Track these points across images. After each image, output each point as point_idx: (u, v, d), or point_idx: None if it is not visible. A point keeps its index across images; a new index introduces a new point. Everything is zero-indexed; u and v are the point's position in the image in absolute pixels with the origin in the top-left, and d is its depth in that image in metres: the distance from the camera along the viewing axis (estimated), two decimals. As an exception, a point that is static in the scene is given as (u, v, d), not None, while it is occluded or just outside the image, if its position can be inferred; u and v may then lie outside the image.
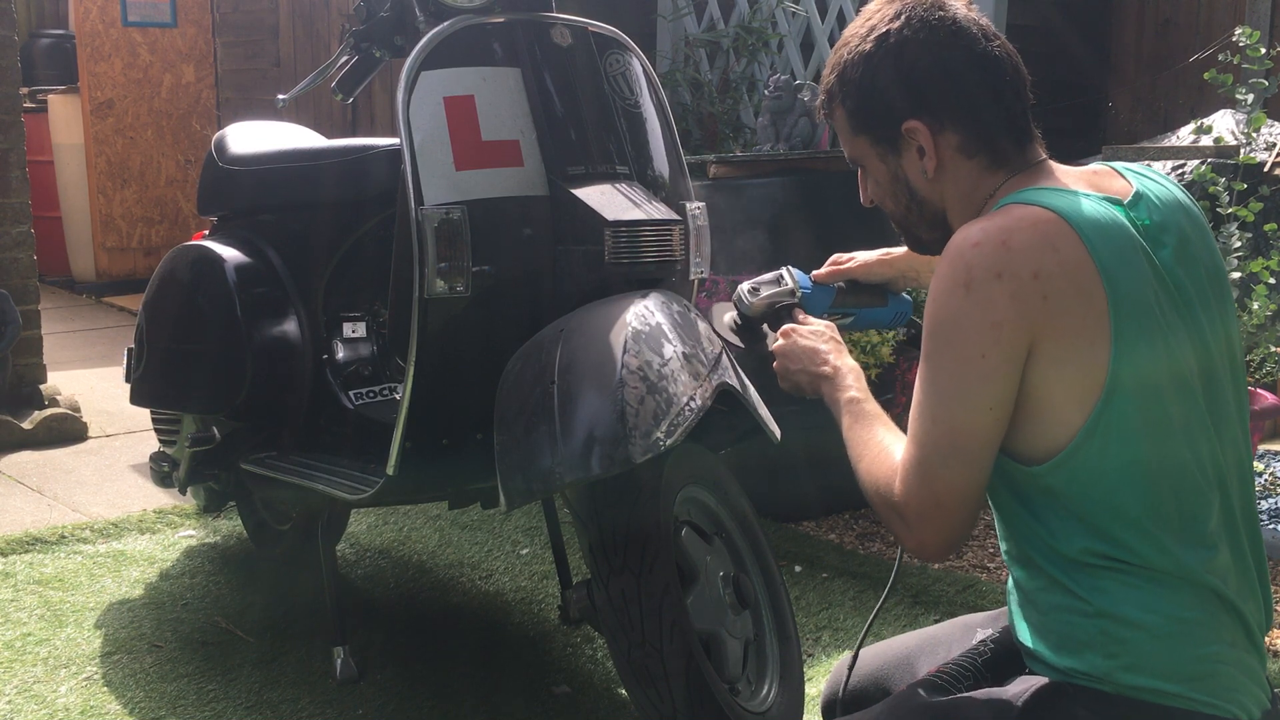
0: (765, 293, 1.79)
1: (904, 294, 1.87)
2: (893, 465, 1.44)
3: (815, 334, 1.67)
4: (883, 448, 1.48)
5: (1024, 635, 1.48)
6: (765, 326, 1.81)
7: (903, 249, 1.80)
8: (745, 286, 1.81)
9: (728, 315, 1.94)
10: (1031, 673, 1.46)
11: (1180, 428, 1.36)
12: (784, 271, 1.81)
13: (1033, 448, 1.38)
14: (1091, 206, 1.37)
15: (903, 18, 1.45)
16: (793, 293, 1.79)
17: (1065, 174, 1.45)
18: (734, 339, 1.87)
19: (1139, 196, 1.41)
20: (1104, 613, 1.36)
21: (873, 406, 1.55)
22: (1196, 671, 1.35)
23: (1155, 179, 1.46)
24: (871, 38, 1.46)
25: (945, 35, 1.43)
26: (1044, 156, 1.48)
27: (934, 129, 1.45)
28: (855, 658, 1.72)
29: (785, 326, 1.71)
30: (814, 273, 1.85)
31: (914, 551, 1.44)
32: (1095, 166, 1.50)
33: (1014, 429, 1.38)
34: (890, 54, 1.45)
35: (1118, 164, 1.50)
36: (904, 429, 1.46)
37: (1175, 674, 1.34)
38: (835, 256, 1.87)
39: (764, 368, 1.74)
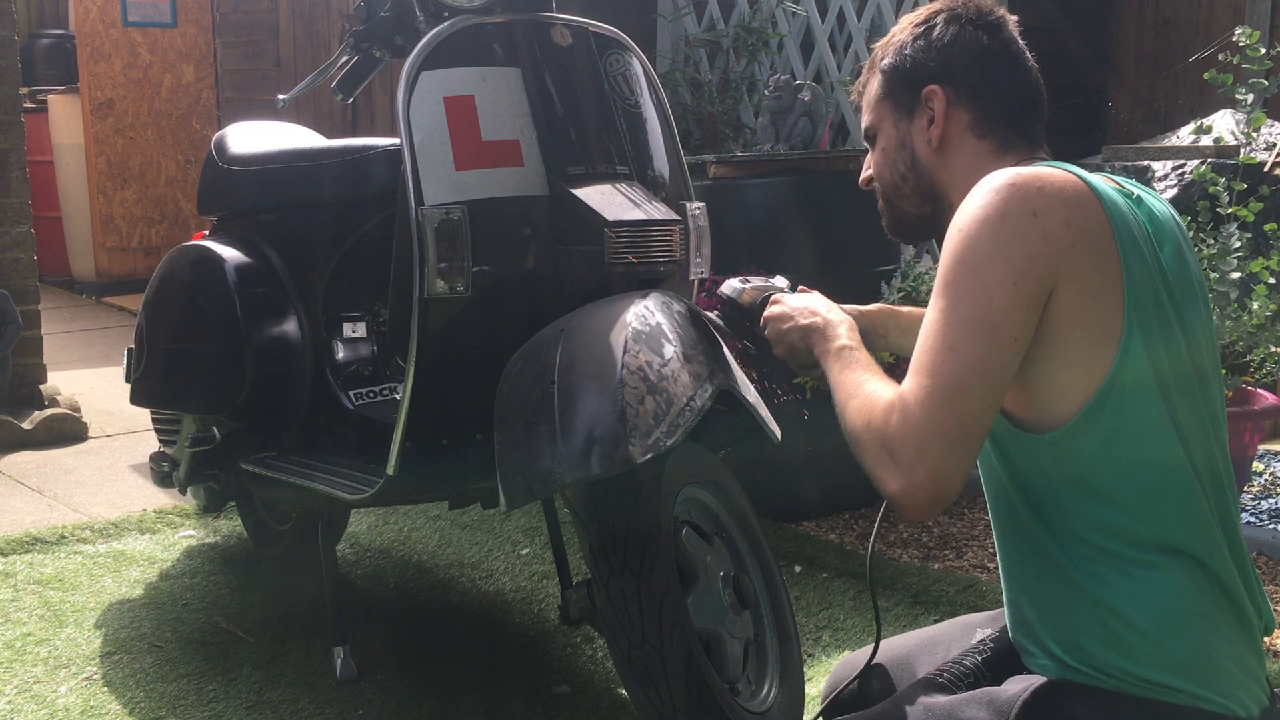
0: (755, 283, 1.82)
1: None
2: (888, 402, 1.36)
3: (806, 297, 1.69)
4: (876, 389, 1.42)
5: (1017, 630, 1.49)
6: (745, 342, 1.83)
7: (877, 305, 1.82)
8: (735, 280, 1.84)
9: (711, 314, 1.95)
10: (1030, 671, 1.46)
11: (1182, 424, 1.37)
12: (776, 278, 1.85)
13: (1049, 406, 1.37)
14: (1109, 189, 1.40)
15: (956, 9, 1.55)
16: (784, 284, 1.81)
17: None
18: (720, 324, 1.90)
19: (1140, 201, 1.44)
20: (1101, 601, 1.37)
21: (865, 355, 1.52)
22: (1195, 663, 1.35)
23: (1147, 191, 1.49)
24: (922, 15, 1.57)
25: (988, 25, 1.53)
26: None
27: (950, 100, 1.52)
28: (864, 669, 1.72)
29: (774, 296, 1.73)
30: (800, 289, 1.86)
31: (898, 497, 1.32)
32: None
33: (1028, 387, 1.37)
34: (933, 26, 1.55)
35: (1110, 176, 1.53)
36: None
37: (1174, 665, 1.35)
38: None
39: (760, 365, 1.74)
